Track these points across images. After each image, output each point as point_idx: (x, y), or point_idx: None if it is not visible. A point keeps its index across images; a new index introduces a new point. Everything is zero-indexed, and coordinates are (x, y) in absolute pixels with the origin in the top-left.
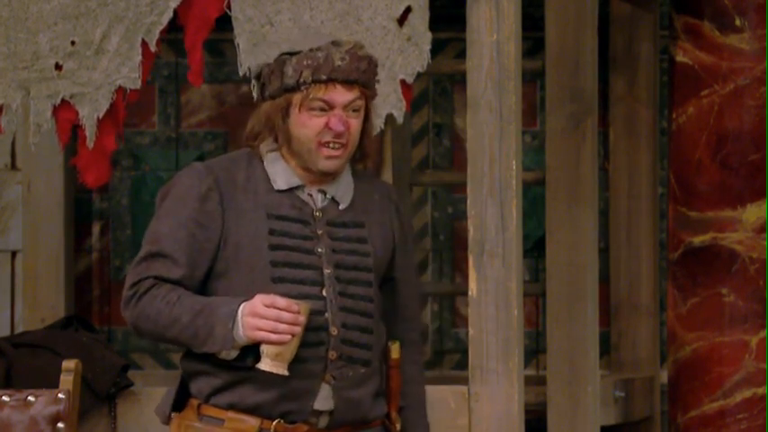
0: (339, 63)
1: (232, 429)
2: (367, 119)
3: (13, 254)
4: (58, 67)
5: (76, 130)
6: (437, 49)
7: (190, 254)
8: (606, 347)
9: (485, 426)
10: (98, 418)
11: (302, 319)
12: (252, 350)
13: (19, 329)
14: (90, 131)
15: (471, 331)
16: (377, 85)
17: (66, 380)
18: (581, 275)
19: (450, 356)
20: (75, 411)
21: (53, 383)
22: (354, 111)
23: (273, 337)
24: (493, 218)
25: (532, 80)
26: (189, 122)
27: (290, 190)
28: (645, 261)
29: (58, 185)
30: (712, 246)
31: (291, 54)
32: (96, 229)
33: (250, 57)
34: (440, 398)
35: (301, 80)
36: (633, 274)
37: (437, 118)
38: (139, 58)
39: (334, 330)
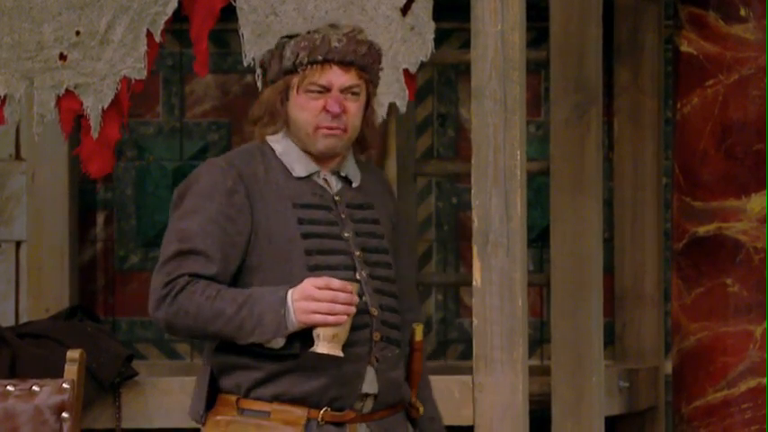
0: (336, 44)
1: (279, 421)
2: (368, 107)
3: (18, 244)
4: (62, 57)
5: (80, 120)
6: (441, 39)
7: (222, 249)
8: (610, 337)
9: (489, 416)
10: (103, 407)
11: (356, 298)
12: (297, 337)
13: (23, 319)
14: (94, 122)
15: (475, 321)
16: (380, 75)
17: (71, 369)
18: (585, 265)
19: (454, 346)
20: (79, 401)
21: (57, 373)
22: (353, 94)
23: (331, 319)
24: (497, 208)
25: (537, 70)
26: (193, 112)
27: (308, 176)
28: (649, 251)
29: (63, 175)
30: (717, 236)
31: (291, 37)
32: (101, 219)
33: (254, 47)
34: (444, 388)
35: (298, 61)
36: (638, 264)
37: (441, 108)
38: (144, 48)
39: (374, 311)
